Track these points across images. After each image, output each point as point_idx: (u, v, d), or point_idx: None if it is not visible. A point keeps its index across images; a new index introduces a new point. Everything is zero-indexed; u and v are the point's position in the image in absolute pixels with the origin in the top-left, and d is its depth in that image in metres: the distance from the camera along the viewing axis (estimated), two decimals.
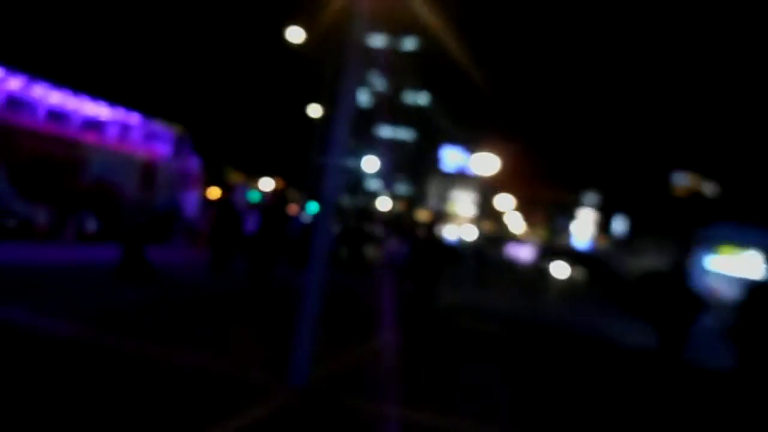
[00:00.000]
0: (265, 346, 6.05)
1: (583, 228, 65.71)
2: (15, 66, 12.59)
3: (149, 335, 5.74)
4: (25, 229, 12.58)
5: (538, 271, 26.52)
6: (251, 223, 11.92)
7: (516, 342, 9.22)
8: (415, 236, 13.68)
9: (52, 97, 13.43)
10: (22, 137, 12.30)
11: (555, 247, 37.49)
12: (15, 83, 12.46)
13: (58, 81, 13.70)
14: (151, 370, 4.64)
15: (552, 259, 28.12)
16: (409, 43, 59.66)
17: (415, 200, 58.37)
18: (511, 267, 26.27)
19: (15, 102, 12.91)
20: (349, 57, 4.93)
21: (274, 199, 19.04)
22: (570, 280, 26.47)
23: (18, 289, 6.97)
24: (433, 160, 60.40)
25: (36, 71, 13.31)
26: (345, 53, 4.97)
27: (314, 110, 33.87)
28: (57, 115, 14.13)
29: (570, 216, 66.29)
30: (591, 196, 65.86)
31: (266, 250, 10.62)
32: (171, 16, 29.42)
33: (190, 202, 16.93)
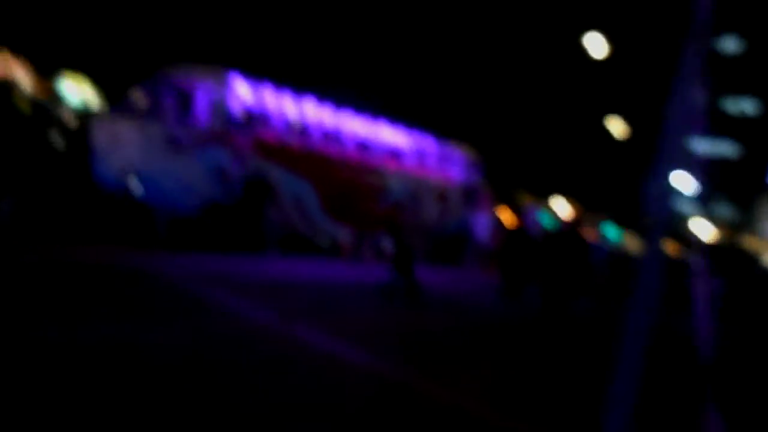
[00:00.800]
0: (562, 400, 4.90)
1: None
2: (331, 101, 13.90)
3: (425, 367, 5.11)
4: (333, 248, 13.70)
5: None
6: (546, 248, 10.87)
7: None
8: (746, 272, 10.84)
9: (360, 128, 14.51)
10: (333, 166, 13.46)
11: None
12: (330, 118, 13.75)
13: (367, 113, 14.72)
14: (433, 416, 3.94)
15: None
16: (732, 43, 51.42)
17: (741, 226, 49.37)
18: None
19: (329, 135, 14.28)
20: (687, 60, 3.86)
21: (570, 223, 17.59)
22: None
23: (315, 306, 7.15)
24: (765, 178, 50.55)
25: (348, 105, 14.52)
26: (683, 56, 3.93)
27: (614, 126, 31.01)
28: (363, 146, 15.23)
29: None
30: None
31: (563, 279, 9.41)
32: (465, 40, 30.19)
33: (480, 225, 16.64)
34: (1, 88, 12.02)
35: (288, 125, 13.23)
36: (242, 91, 12.03)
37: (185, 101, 11.05)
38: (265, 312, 6.16)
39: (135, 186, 10.18)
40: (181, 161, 10.49)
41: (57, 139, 11.17)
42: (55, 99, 15.68)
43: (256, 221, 11.25)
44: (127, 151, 10.25)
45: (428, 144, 16.22)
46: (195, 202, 10.74)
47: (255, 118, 12.67)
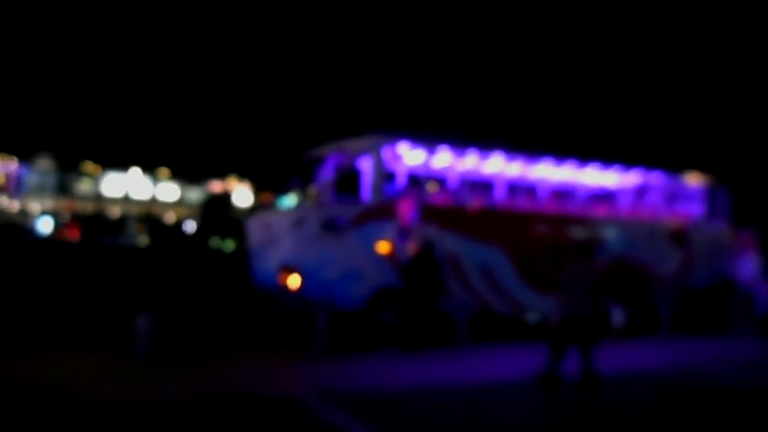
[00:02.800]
0: None
1: None
2: (524, 153, 11.40)
3: None
4: (544, 325, 10.87)
5: None
6: None
7: None
8: None
9: (557, 176, 11.84)
10: (527, 223, 10.89)
11: None
12: (521, 169, 11.33)
13: (562, 155, 11.92)
14: None
15: None
16: None
17: None
18: None
19: (519, 188, 11.85)
20: None
21: None
22: None
23: None
24: None
25: (539, 150, 11.87)
26: None
27: None
28: (562, 194, 12.46)
29: None
30: None
31: None
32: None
33: (744, 271, 12.38)
34: (219, 197, 12.26)
35: (466, 185, 11.17)
36: (408, 156, 10.35)
37: (341, 177, 9.62)
38: None
39: (293, 282, 8.79)
40: (340, 245, 8.90)
41: None
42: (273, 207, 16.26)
43: (433, 304, 9.05)
44: (281, 244, 9.00)
45: (653, 179, 12.80)
46: (360, 291, 8.98)
47: (424, 183, 10.84)
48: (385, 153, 9.70)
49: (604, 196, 12.88)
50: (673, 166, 13.77)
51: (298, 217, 8.95)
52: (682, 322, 11.47)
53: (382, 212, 9.25)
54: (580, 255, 6.60)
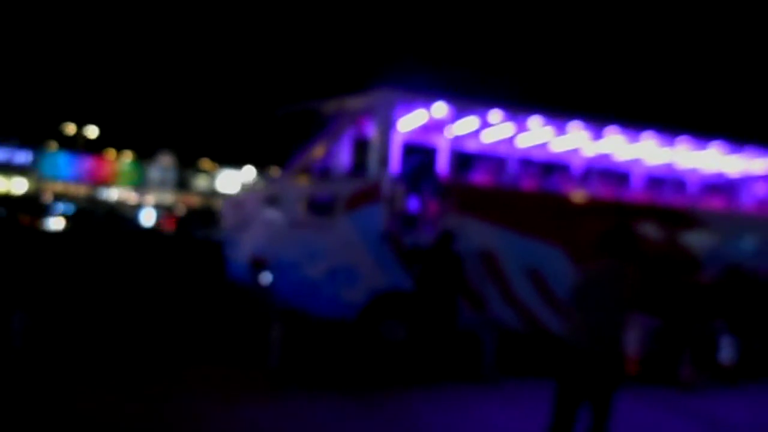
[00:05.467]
0: None
1: None
2: (605, 118, 8.52)
3: None
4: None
5: None
6: None
7: None
8: None
9: (657, 156, 8.95)
10: (600, 214, 8.12)
11: None
12: (606, 146, 8.61)
13: (675, 129, 8.80)
14: None
15: None
16: None
17: None
18: None
19: (598, 171, 9.13)
20: None
21: None
22: None
23: None
24: None
25: (640, 121, 8.87)
26: None
27: None
28: (660, 180, 9.54)
29: None
30: None
31: None
32: None
33: None
34: None
35: (526, 164, 8.68)
36: (450, 126, 8.04)
37: (344, 146, 7.54)
38: None
39: (264, 277, 6.84)
40: (330, 234, 6.81)
41: None
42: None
43: (450, 316, 6.68)
44: (252, 229, 7.08)
45: None
46: (354, 295, 6.81)
47: (468, 160, 8.46)
48: (407, 116, 7.46)
49: (721, 186, 9.73)
50: None
51: (272, 195, 6.97)
52: None
53: (390, 192, 6.97)
54: (608, 253, 4.05)
